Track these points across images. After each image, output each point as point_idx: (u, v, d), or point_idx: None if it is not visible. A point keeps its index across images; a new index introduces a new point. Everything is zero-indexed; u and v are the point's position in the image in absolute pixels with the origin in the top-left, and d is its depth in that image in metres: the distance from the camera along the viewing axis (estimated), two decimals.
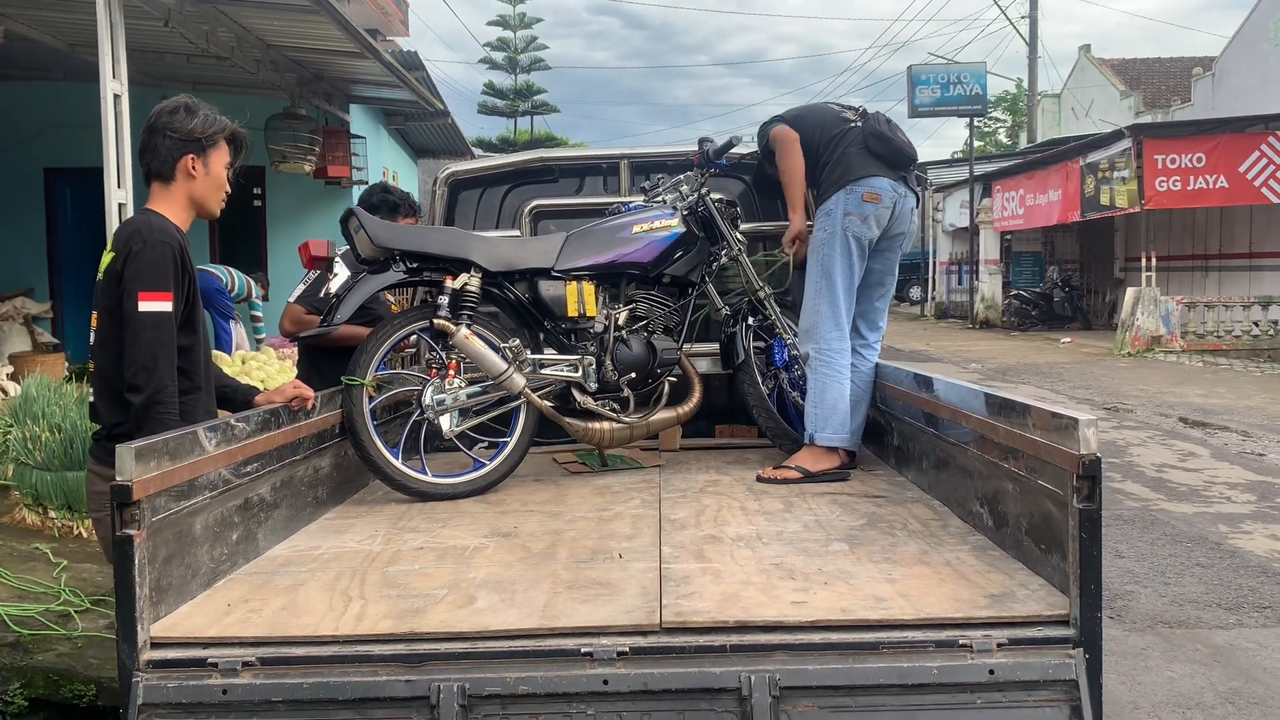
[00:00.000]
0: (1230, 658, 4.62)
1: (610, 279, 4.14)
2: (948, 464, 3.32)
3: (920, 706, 2.17)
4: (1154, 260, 18.88)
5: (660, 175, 4.53)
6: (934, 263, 33.18)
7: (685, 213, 4.24)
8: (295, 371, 4.90)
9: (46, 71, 10.32)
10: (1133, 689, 4.32)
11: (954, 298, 31.10)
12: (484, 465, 3.84)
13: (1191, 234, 22.24)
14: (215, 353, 9.00)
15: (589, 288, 4.04)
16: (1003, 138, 49.14)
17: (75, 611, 4.39)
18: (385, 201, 4.42)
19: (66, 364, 9.71)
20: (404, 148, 16.82)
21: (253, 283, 10.13)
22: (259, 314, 10.33)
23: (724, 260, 4.37)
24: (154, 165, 2.99)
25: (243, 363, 8.79)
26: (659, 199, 4.36)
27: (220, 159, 3.06)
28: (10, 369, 9.04)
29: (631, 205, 4.36)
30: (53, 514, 5.32)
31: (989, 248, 27.40)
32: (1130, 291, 19.00)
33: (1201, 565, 5.95)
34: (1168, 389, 13.74)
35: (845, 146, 4.12)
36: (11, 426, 5.50)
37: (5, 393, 8.45)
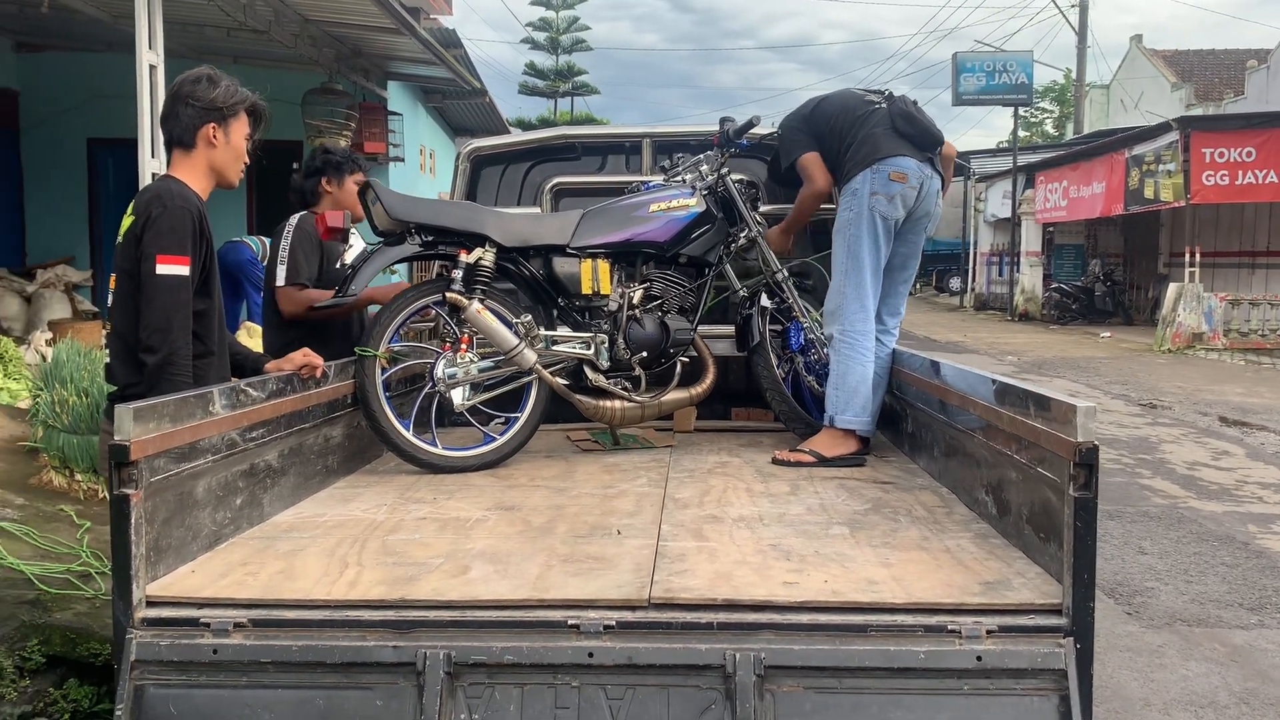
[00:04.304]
0: (1249, 658, 4.54)
1: (626, 257, 4.13)
2: (956, 451, 3.29)
3: (906, 690, 2.16)
4: (1198, 256, 18.53)
5: (681, 155, 4.51)
6: (974, 253, 32.81)
7: (704, 192, 4.22)
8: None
9: (90, 42, 10.45)
10: (1145, 685, 4.27)
11: (994, 289, 30.75)
12: (494, 440, 3.85)
13: (1239, 230, 21.79)
14: (247, 324, 9.16)
15: (604, 266, 4.03)
16: (1049, 128, 48.44)
17: (95, 572, 4.46)
18: (329, 162, 4.37)
19: (104, 331, 9.87)
20: (442, 126, 16.87)
21: None
22: None
23: (742, 241, 4.35)
24: (176, 132, 3.04)
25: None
26: (678, 178, 4.34)
27: (240, 129, 3.10)
28: (50, 335, 9.21)
29: (651, 184, 4.35)
30: (79, 477, 5.41)
31: (1030, 239, 27.04)
32: (1173, 287, 18.68)
33: (1226, 564, 5.86)
34: (1207, 387, 13.51)
35: (871, 127, 4.08)
36: (41, 390, 5.60)
37: (45, 358, 8.62)
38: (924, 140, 4.06)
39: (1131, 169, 20.31)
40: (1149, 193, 19.68)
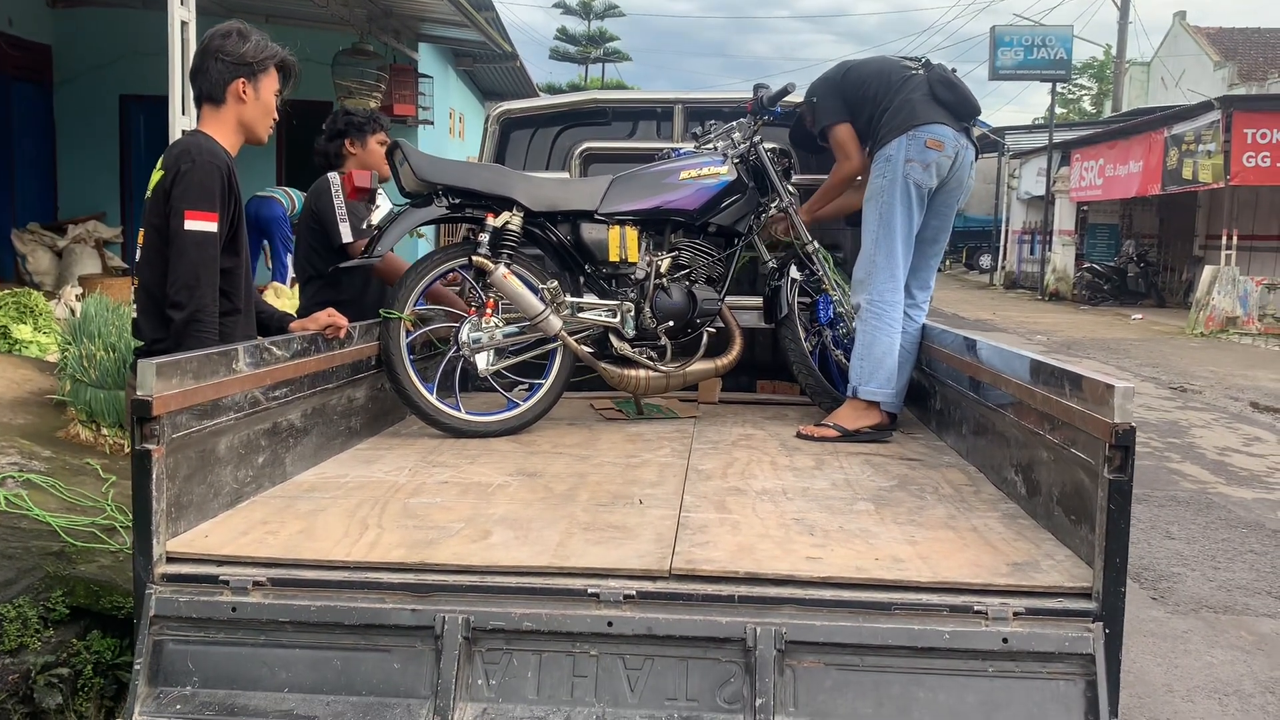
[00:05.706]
0: (1276, 646, 4.48)
1: (654, 225, 4.08)
2: (985, 429, 3.24)
3: (929, 670, 2.13)
4: (1235, 239, 18.19)
5: (714, 121, 4.44)
6: (1006, 231, 32.43)
7: (736, 160, 4.16)
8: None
9: None
10: (1169, 672, 4.22)
11: (1025, 268, 30.40)
12: (517, 406, 3.83)
13: (1278, 213, 21.37)
14: (274, 284, 9.18)
15: (632, 233, 3.98)
16: (1087, 105, 47.69)
17: (120, 526, 4.49)
18: (351, 123, 4.35)
19: (132, 286, 9.92)
20: (472, 89, 16.79)
21: None
22: None
23: (773, 211, 4.28)
24: (205, 87, 3.03)
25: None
26: (709, 145, 4.27)
27: (270, 85, 3.08)
28: (80, 290, 9.27)
29: (681, 151, 4.28)
30: (105, 431, 5.44)
31: (1064, 218, 26.68)
32: (1208, 270, 18.38)
33: (1255, 552, 5.77)
34: (1239, 372, 13.31)
35: (908, 93, 3.99)
36: (70, 344, 5.63)
37: (75, 313, 8.68)
38: (962, 109, 3.98)
39: (1170, 148, 19.96)
40: (1187, 173, 19.34)
